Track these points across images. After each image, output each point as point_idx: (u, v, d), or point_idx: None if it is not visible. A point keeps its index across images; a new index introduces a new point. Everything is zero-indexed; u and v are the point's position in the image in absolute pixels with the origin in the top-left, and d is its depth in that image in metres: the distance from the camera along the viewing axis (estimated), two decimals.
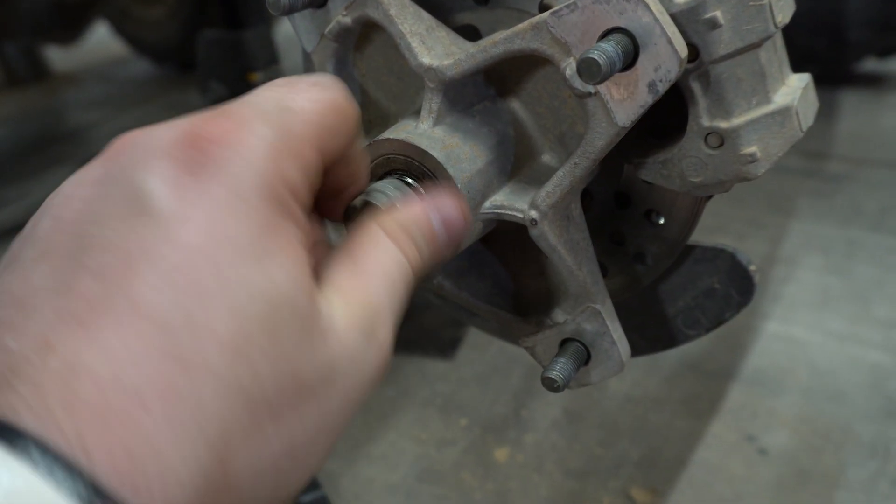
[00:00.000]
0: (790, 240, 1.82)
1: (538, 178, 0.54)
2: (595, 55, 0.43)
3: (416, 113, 0.53)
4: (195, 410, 0.27)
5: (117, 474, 0.25)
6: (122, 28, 3.74)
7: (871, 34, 2.52)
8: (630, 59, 0.45)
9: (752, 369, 1.40)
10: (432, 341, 1.50)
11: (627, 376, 1.39)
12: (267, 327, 0.30)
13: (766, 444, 1.23)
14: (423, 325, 1.54)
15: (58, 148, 2.99)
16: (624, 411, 1.32)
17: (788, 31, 0.52)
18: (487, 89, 0.55)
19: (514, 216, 0.52)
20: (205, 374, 0.28)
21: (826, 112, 2.52)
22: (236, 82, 1.67)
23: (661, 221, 0.60)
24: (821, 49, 2.49)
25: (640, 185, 0.59)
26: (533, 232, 0.52)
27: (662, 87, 0.46)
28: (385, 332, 0.36)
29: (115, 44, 3.93)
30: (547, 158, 0.55)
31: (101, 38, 3.92)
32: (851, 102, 2.61)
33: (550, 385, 0.55)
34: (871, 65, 2.73)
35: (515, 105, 0.55)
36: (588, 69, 0.43)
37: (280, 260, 0.31)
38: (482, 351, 1.49)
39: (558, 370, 0.55)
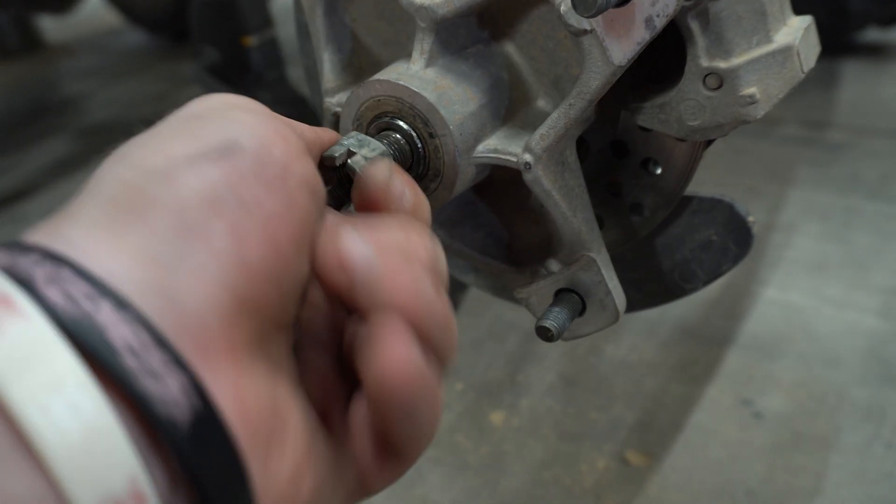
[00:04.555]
0: (789, 207, 1.81)
1: (533, 124, 0.52)
2: None
3: (409, 56, 0.52)
4: None
5: None
6: None
7: (874, 3, 2.48)
8: None
9: (749, 335, 1.39)
10: None
11: (623, 341, 1.38)
12: None
13: (762, 407, 1.23)
14: None
15: (51, 118, 2.96)
16: (619, 376, 1.31)
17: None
18: (481, 32, 0.53)
19: (508, 160, 0.51)
20: None
21: (827, 81, 2.50)
22: (230, 46, 1.65)
23: (659, 171, 0.59)
24: (822, 18, 2.46)
25: (638, 133, 0.58)
26: (527, 176, 0.51)
27: (660, 23, 0.44)
28: None
29: (108, 14, 3.88)
30: (542, 104, 0.54)
31: (94, 8, 3.87)
32: (852, 72, 2.58)
33: (545, 334, 0.54)
34: (873, 34, 2.70)
35: (510, 48, 0.53)
36: (583, 1, 0.42)
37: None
38: (478, 316, 1.48)
39: (552, 319, 0.54)
